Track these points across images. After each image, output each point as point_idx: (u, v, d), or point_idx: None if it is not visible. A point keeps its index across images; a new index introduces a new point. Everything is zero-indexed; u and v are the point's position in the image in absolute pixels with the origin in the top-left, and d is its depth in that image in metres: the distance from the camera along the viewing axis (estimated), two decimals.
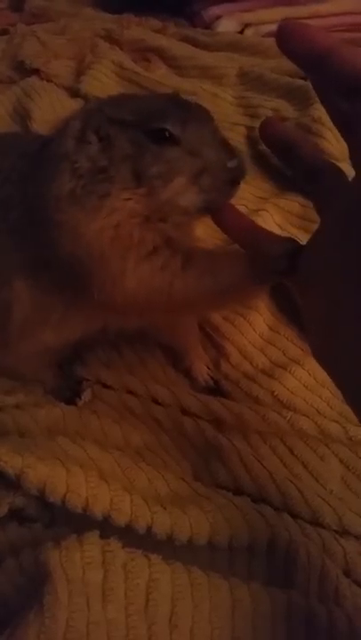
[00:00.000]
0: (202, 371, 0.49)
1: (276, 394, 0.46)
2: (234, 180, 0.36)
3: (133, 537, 0.33)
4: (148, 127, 0.36)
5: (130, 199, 0.36)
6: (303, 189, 0.36)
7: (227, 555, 0.35)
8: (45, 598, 0.28)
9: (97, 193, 0.36)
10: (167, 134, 0.35)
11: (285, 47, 0.27)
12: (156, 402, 0.47)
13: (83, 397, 0.47)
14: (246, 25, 0.98)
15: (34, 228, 0.38)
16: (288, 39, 0.27)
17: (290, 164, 0.38)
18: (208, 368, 0.50)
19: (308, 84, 0.29)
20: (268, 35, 0.95)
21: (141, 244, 0.36)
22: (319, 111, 0.61)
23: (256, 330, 0.51)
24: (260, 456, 0.42)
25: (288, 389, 0.47)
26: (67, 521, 0.35)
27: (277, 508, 0.38)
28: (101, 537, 0.31)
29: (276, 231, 0.51)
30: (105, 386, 0.49)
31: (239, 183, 0.37)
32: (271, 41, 0.93)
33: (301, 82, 0.68)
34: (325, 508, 0.39)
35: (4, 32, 1.04)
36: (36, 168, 0.40)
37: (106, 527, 0.33)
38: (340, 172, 0.33)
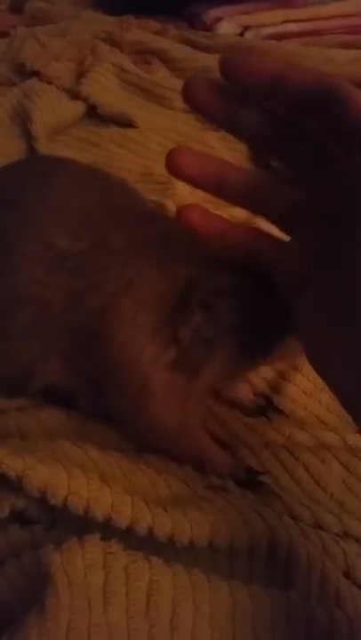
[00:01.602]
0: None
1: (277, 403, 0.46)
2: None
3: (134, 539, 0.33)
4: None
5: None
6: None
7: (227, 557, 0.35)
8: (47, 600, 0.28)
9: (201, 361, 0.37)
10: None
11: (235, 79, 0.28)
12: None
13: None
14: (246, 27, 0.98)
15: None
16: (234, 71, 0.28)
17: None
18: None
19: None
20: (268, 37, 0.96)
21: None
22: None
23: None
24: (261, 460, 0.42)
25: (289, 398, 0.47)
26: (68, 523, 0.35)
27: (279, 510, 0.38)
28: (102, 539, 0.31)
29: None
30: None
31: None
32: (271, 43, 0.94)
33: None
34: (326, 512, 0.39)
35: (4, 34, 1.05)
36: None
37: (107, 529, 0.33)
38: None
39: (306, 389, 0.47)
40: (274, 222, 0.34)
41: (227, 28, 0.98)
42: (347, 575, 0.37)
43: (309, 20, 0.97)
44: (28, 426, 0.42)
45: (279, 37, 0.95)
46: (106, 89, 0.80)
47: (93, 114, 0.78)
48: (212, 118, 0.30)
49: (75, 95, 0.79)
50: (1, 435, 0.41)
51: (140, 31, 0.95)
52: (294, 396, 0.47)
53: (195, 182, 0.33)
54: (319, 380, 0.44)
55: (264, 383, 0.48)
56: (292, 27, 0.96)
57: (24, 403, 0.44)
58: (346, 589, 0.35)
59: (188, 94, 0.30)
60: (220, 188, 0.33)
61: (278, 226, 0.34)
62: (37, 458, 0.34)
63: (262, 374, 0.49)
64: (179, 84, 0.83)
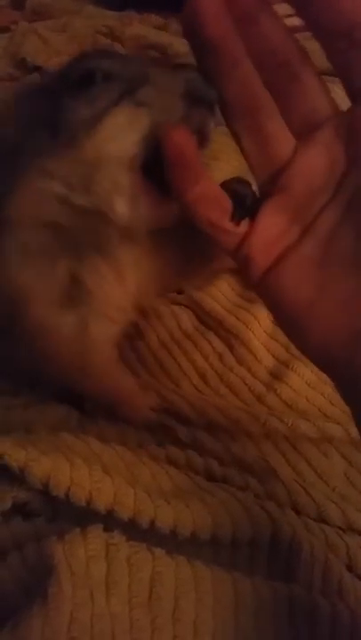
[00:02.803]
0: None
1: (278, 392, 0.46)
2: (188, 93, 0.27)
3: (137, 531, 0.33)
4: (76, 71, 0.28)
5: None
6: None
7: (230, 549, 0.35)
8: (49, 591, 0.28)
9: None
10: (93, 75, 0.28)
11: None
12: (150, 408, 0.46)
13: (85, 407, 0.47)
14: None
15: None
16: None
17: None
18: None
19: None
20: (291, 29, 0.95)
21: None
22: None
23: (261, 324, 0.51)
24: (263, 453, 0.42)
25: (291, 387, 0.47)
26: (70, 515, 0.35)
27: (281, 503, 0.38)
28: (105, 530, 0.31)
29: None
30: None
31: (199, 102, 0.27)
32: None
33: None
34: (329, 505, 0.39)
35: (6, 29, 1.04)
36: None
37: (109, 521, 0.33)
38: None
39: (309, 381, 0.47)
40: None
41: None
42: (349, 568, 0.37)
43: None
44: (33, 420, 0.43)
45: (310, 28, 0.94)
46: None
47: None
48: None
49: None
50: (6, 429, 0.41)
51: (142, 26, 0.94)
52: (297, 386, 0.47)
53: None
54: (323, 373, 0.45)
55: (265, 370, 0.48)
56: (295, 21, 0.95)
57: (29, 400, 0.44)
58: (348, 582, 0.35)
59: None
60: None
61: None
62: (40, 449, 0.34)
63: (264, 362, 0.49)
64: None
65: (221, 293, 0.55)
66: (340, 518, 0.39)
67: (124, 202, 0.29)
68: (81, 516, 0.34)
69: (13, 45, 0.94)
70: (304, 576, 0.35)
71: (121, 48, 0.88)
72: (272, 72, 0.24)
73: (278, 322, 0.28)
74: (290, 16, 0.91)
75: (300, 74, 0.25)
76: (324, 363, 0.26)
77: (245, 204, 0.27)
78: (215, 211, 0.27)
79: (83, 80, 0.28)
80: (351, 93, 0.24)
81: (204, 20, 0.23)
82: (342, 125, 0.25)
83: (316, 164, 0.25)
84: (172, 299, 0.56)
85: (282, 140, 0.26)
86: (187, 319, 0.55)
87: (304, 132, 0.25)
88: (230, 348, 0.51)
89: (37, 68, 0.86)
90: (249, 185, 0.29)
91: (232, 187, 0.28)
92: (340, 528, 0.39)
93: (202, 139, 0.29)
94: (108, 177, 0.29)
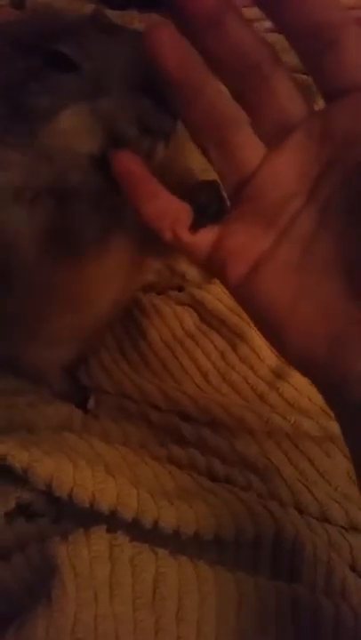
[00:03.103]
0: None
1: (281, 391, 0.47)
2: (149, 131, 0.27)
3: (140, 531, 0.33)
4: (42, 50, 0.27)
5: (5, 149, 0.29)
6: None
7: (233, 549, 0.35)
8: (53, 592, 0.28)
9: None
10: (63, 58, 0.27)
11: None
12: (153, 406, 0.47)
13: (88, 406, 0.48)
14: (248, 20, 0.98)
15: None
16: None
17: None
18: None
19: (310, 80, 0.25)
20: (269, 30, 0.95)
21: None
22: (320, 106, 0.61)
23: None
24: (266, 452, 0.42)
25: (293, 386, 0.47)
26: (73, 516, 0.35)
27: (284, 503, 0.39)
28: (108, 531, 0.31)
29: None
30: (105, 392, 0.49)
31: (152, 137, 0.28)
32: (273, 36, 0.93)
33: (304, 77, 0.68)
34: (332, 504, 0.39)
35: None
36: None
37: (112, 521, 0.33)
38: None
39: None
40: None
41: None
42: (353, 568, 0.37)
43: None
44: (35, 420, 0.43)
45: (281, 30, 0.94)
46: None
47: None
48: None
49: None
50: (7, 429, 0.41)
51: (142, 25, 0.94)
52: (299, 385, 0.47)
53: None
54: None
55: (268, 369, 0.48)
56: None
57: (32, 399, 0.44)
58: (352, 582, 0.36)
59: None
60: None
61: None
62: (43, 450, 0.34)
63: (267, 361, 0.49)
64: None
65: (223, 292, 0.55)
66: (343, 517, 0.39)
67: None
68: (84, 516, 0.34)
69: None
70: (307, 576, 0.35)
71: None
72: (242, 76, 0.24)
73: (258, 327, 0.28)
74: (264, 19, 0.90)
75: (271, 76, 0.24)
76: (305, 366, 0.26)
77: (209, 212, 0.27)
78: (175, 224, 0.27)
79: (49, 62, 0.27)
80: (324, 94, 0.24)
81: (161, 53, 0.23)
82: (315, 127, 0.24)
83: (286, 168, 0.25)
84: (175, 297, 0.56)
85: (250, 149, 0.25)
86: (189, 318, 0.55)
87: (277, 136, 0.25)
88: (233, 346, 0.51)
89: None
90: (217, 188, 0.29)
91: (195, 194, 0.28)
92: (342, 527, 0.39)
93: (149, 159, 0.29)
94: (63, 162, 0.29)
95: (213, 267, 0.27)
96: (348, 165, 0.23)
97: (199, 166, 0.32)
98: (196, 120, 0.25)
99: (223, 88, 0.24)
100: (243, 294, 0.27)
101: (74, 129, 0.28)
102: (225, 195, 0.28)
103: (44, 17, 0.31)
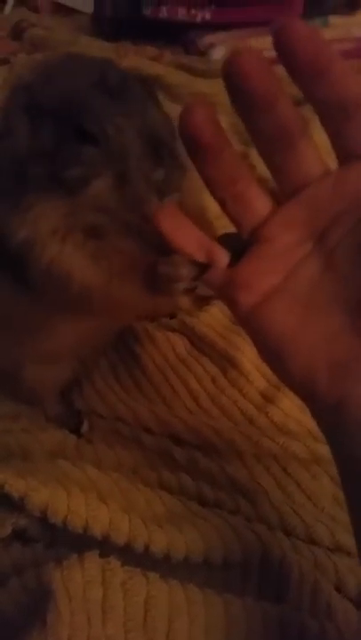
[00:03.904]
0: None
1: (270, 415, 0.48)
2: (159, 194, 0.31)
3: (132, 556, 0.34)
4: (68, 121, 0.31)
5: (48, 200, 0.33)
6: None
7: (221, 572, 0.37)
8: (48, 616, 0.29)
9: (16, 193, 0.33)
10: (86, 133, 0.31)
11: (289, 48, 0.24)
12: (147, 430, 0.49)
13: (81, 430, 0.49)
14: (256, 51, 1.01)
15: None
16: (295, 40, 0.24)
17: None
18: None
19: (302, 111, 0.27)
20: (275, 62, 0.99)
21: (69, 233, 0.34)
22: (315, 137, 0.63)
23: (253, 347, 0.53)
24: (255, 476, 0.43)
25: (281, 410, 0.48)
26: (67, 541, 0.36)
27: (272, 526, 0.40)
28: (101, 556, 0.33)
29: None
30: (99, 415, 0.51)
31: (166, 196, 0.31)
32: (277, 68, 0.96)
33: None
34: (318, 526, 0.41)
35: (5, 61, 1.08)
36: None
37: (105, 546, 0.34)
38: None
39: (299, 403, 0.48)
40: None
41: (221, 53, 1.01)
42: (338, 588, 0.38)
43: None
44: (30, 446, 0.44)
45: (272, 62, 0.97)
46: None
47: None
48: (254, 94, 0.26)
49: None
50: (4, 455, 0.43)
51: (137, 57, 0.98)
52: (287, 409, 0.48)
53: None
54: None
55: (257, 392, 0.50)
56: None
57: (27, 425, 0.45)
58: (337, 602, 0.37)
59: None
60: None
61: None
62: (39, 479, 0.35)
63: (255, 384, 0.51)
64: (175, 109, 0.85)
65: (213, 318, 0.57)
66: (329, 539, 0.40)
67: None
68: (78, 541, 0.35)
69: (13, 77, 0.97)
70: (294, 597, 0.36)
71: None
72: (273, 142, 0.27)
73: (262, 354, 0.30)
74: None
75: (299, 144, 0.27)
76: (306, 392, 0.28)
77: (237, 253, 0.30)
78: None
79: (76, 134, 0.31)
80: (340, 156, 0.27)
81: (198, 129, 0.27)
82: (328, 184, 0.27)
83: (298, 216, 0.28)
84: (166, 324, 0.58)
85: (260, 201, 0.29)
86: (180, 344, 0.56)
87: (294, 193, 0.28)
88: (223, 371, 0.53)
89: None
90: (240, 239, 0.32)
91: (225, 239, 0.32)
92: (328, 548, 0.40)
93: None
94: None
95: (225, 296, 0.30)
96: (355, 219, 0.26)
97: (214, 214, 0.35)
98: (216, 177, 0.28)
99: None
100: (251, 322, 0.29)
101: (103, 194, 0.32)
102: None
103: (63, 78, 0.33)
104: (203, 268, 0.31)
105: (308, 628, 0.33)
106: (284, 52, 0.24)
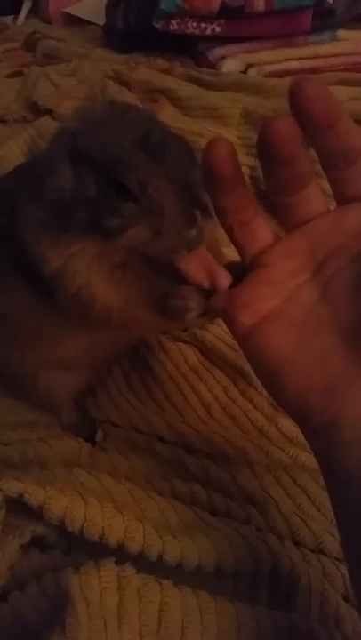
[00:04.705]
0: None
1: (279, 426, 0.49)
2: (188, 248, 0.34)
3: (146, 563, 0.36)
4: (110, 176, 0.34)
5: (86, 241, 0.36)
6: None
7: (232, 580, 0.38)
8: (67, 620, 0.30)
9: (57, 230, 0.36)
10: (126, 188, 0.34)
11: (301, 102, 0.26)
12: (160, 439, 0.50)
13: (96, 438, 0.51)
14: (249, 65, 1.03)
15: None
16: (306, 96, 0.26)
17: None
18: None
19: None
20: (271, 74, 1.00)
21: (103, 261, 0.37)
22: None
23: None
24: (265, 486, 0.44)
25: (291, 421, 0.49)
26: (83, 548, 0.37)
27: (282, 536, 0.41)
28: (117, 563, 0.34)
29: None
30: (113, 424, 0.52)
31: (195, 249, 0.34)
32: (273, 81, 0.98)
33: None
34: (327, 537, 0.42)
35: (19, 73, 1.10)
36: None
37: (120, 554, 0.36)
38: None
39: None
40: None
41: (231, 65, 1.03)
42: (346, 598, 0.39)
43: (310, 58, 1.01)
44: (47, 454, 0.45)
45: (281, 75, 0.99)
46: None
47: None
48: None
49: None
50: (22, 464, 0.44)
51: (148, 70, 0.99)
52: None
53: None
54: None
55: (267, 402, 0.51)
56: (293, 64, 1.01)
57: (43, 433, 0.47)
58: (345, 612, 0.38)
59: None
60: None
61: None
62: (57, 488, 0.36)
63: (264, 394, 0.52)
64: (186, 122, 0.87)
65: (223, 331, 0.58)
66: (338, 549, 0.41)
67: None
68: (93, 549, 0.36)
69: (26, 89, 0.99)
70: (302, 606, 0.37)
71: (128, 92, 0.93)
72: (285, 185, 0.29)
73: (258, 374, 0.32)
74: (287, 60, 0.95)
75: (308, 185, 0.29)
76: (299, 412, 0.29)
77: (238, 278, 0.33)
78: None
79: (116, 188, 0.34)
80: (339, 200, 0.29)
81: (219, 166, 0.29)
82: (328, 221, 0.29)
83: (298, 248, 0.30)
84: (177, 336, 0.59)
85: (263, 229, 0.31)
86: (192, 354, 0.58)
87: (297, 225, 0.30)
88: (234, 381, 0.54)
89: (49, 111, 0.91)
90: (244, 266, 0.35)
91: (229, 267, 0.35)
92: (336, 559, 0.41)
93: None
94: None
95: (226, 316, 0.32)
96: (352, 253, 0.28)
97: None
98: (227, 206, 0.31)
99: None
100: (248, 342, 0.31)
101: (137, 242, 0.35)
102: None
103: (108, 131, 0.36)
104: (209, 294, 0.34)
105: (316, 637, 0.34)
106: (299, 108, 0.26)
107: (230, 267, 0.34)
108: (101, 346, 0.50)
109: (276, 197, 0.30)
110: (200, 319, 0.37)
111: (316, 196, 0.29)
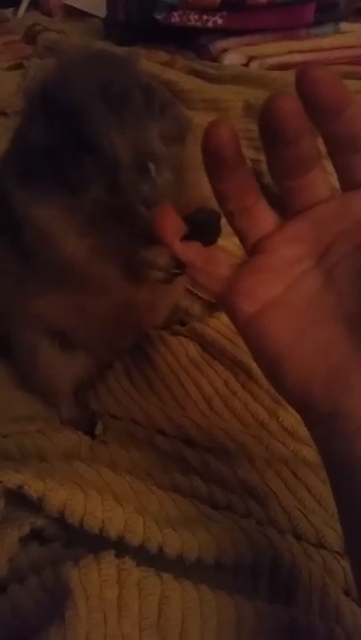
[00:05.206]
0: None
1: (280, 419, 0.49)
2: (146, 203, 0.33)
3: (146, 556, 0.35)
4: (72, 127, 0.34)
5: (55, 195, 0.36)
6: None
7: (232, 574, 0.37)
8: (67, 613, 0.30)
9: (30, 178, 0.37)
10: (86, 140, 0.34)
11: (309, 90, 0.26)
12: (160, 432, 0.49)
13: (96, 431, 0.50)
14: (251, 58, 1.02)
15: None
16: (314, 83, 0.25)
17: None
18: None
19: None
20: (272, 67, 1.00)
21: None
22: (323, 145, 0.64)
23: None
24: (266, 480, 0.44)
25: (292, 415, 0.49)
26: (83, 541, 0.37)
27: (282, 530, 0.41)
28: (116, 556, 0.34)
29: None
30: (113, 416, 0.52)
31: (153, 206, 0.33)
32: (275, 74, 0.97)
33: None
34: (328, 531, 0.41)
35: (19, 66, 1.09)
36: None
37: (120, 547, 0.35)
38: None
39: None
40: None
41: (233, 58, 1.02)
42: (346, 592, 0.39)
43: (312, 51, 1.01)
44: (46, 447, 0.45)
45: (283, 68, 0.98)
46: None
47: None
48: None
49: None
50: (20, 456, 0.44)
51: (149, 62, 0.98)
52: (298, 415, 0.49)
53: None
54: None
55: (268, 396, 0.51)
56: (295, 57, 1.00)
57: (42, 426, 0.46)
58: (345, 606, 0.37)
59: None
60: None
61: None
62: (56, 480, 0.36)
63: (265, 387, 0.51)
64: (187, 114, 0.86)
65: (222, 324, 0.58)
66: (338, 543, 0.41)
67: None
68: (93, 542, 0.36)
69: (27, 82, 0.99)
70: (303, 600, 0.37)
71: None
72: (289, 168, 0.28)
73: (258, 362, 0.31)
74: (290, 53, 0.94)
75: (314, 170, 0.28)
76: (300, 401, 0.29)
77: (203, 232, 0.32)
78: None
79: (78, 142, 0.34)
80: (345, 184, 0.28)
81: (221, 146, 0.28)
82: (333, 206, 0.29)
83: (302, 234, 0.29)
84: (177, 331, 0.59)
85: (266, 215, 0.31)
86: (193, 348, 0.57)
87: (301, 210, 0.29)
88: (235, 374, 0.54)
89: None
90: (216, 216, 0.34)
91: (192, 217, 0.33)
92: (337, 553, 0.41)
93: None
94: None
95: (225, 303, 0.31)
96: (357, 240, 0.27)
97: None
98: (228, 191, 0.30)
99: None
100: (249, 331, 0.30)
101: (99, 198, 0.35)
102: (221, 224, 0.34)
103: (78, 80, 0.36)
104: (181, 263, 0.33)
105: (316, 631, 0.34)
106: (307, 93, 0.26)
107: (197, 214, 0.33)
108: (92, 318, 0.49)
109: (280, 182, 0.29)
110: (167, 284, 0.37)
111: (321, 181, 0.29)
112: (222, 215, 0.33)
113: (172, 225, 0.32)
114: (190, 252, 0.32)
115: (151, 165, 0.33)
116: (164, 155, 0.34)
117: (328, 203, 0.29)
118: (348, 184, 0.28)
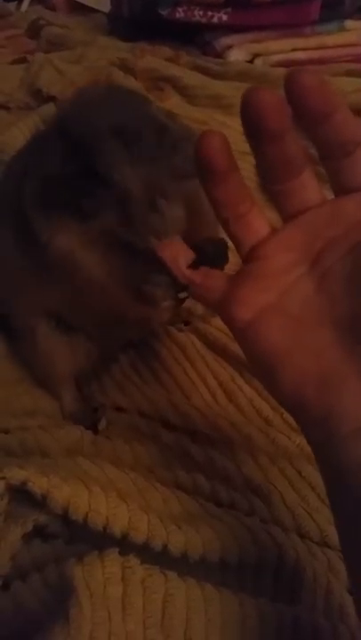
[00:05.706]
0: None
1: (284, 416, 0.49)
2: (156, 235, 0.35)
3: (150, 554, 0.35)
4: (85, 159, 0.36)
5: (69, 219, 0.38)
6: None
7: (237, 572, 0.37)
8: (71, 611, 0.30)
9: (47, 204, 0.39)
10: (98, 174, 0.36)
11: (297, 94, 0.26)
12: (165, 424, 0.49)
13: (99, 426, 0.50)
14: (256, 55, 1.02)
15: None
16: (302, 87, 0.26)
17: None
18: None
19: None
20: (277, 64, 0.99)
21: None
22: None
23: None
24: (270, 477, 0.44)
25: None
26: (86, 538, 0.37)
27: (286, 528, 0.40)
28: (120, 554, 0.33)
29: None
30: (118, 409, 0.51)
31: (163, 238, 0.35)
32: (280, 71, 0.97)
33: None
34: (332, 530, 0.41)
35: (22, 60, 1.09)
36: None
37: (124, 544, 0.35)
38: None
39: None
40: None
41: (237, 55, 1.02)
42: (350, 591, 0.39)
43: (317, 48, 1.00)
44: (48, 443, 0.45)
45: (287, 65, 0.98)
46: None
47: None
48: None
49: None
50: (22, 452, 0.44)
51: (153, 58, 0.98)
52: None
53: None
54: None
55: None
56: (300, 55, 1.00)
57: (44, 421, 0.46)
58: (349, 605, 0.37)
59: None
60: None
61: None
62: (60, 476, 0.36)
63: None
64: (191, 110, 0.86)
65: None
66: None
67: None
68: (96, 539, 0.36)
69: (30, 76, 0.98)
70: (307, 599, 0.37)
71: (133, 79, 0.92)
72: (276, 169, 0.28)
73: (253, 367, 0.31)
74: (294, 50, 0.94)
75: (303, 173, 0.29)
76: (294, 406, 0.29)
77: (214, 262, 0.34)
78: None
79: (92, 174, 0.36)
80: (336, 188, 0.28)
81: (212, 157, 0.28)
82: (325, 211, 0.29)
83: (294, 239, 0.29)
84: (180, 329, 0.59)
85: (259, 222, 0.31)
86: (198, 342, 0.57)
87: (293, 215, 0.30)
88: (239, 371, 0.54)
89: (53, 98, 0.89)
90: (224, 245, 0.37)
91: (201, 245, 0.36)
92: (341, 552, 0.40)
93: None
94: None
95: (222, 312, 0.31)
96: (349, 244, 0.27)
97: None
98: (222, 198, 0.30)
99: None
100: (245, 337, 0.30)
101: (109, 227, 0.37)
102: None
103: (94, 114, 0.39)
104: (182, 287, 0.35)
105: (321, 630, 0.34)
106: (295, 98, 0.26)
107: (205, 243, 0.35)
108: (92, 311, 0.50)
109: (271, 186, 0.29)
110: (177, 308, 0.39)
111: (311, 186, 0.29)
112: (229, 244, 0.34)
113: (178, 254, 0.34)
114: (196, 277, 0.33)
115: (160, 200, 0.35)
116: (174, 190, 0.35)
117: (320, 208, 0.29)
118: (339, 188, 0.28)
